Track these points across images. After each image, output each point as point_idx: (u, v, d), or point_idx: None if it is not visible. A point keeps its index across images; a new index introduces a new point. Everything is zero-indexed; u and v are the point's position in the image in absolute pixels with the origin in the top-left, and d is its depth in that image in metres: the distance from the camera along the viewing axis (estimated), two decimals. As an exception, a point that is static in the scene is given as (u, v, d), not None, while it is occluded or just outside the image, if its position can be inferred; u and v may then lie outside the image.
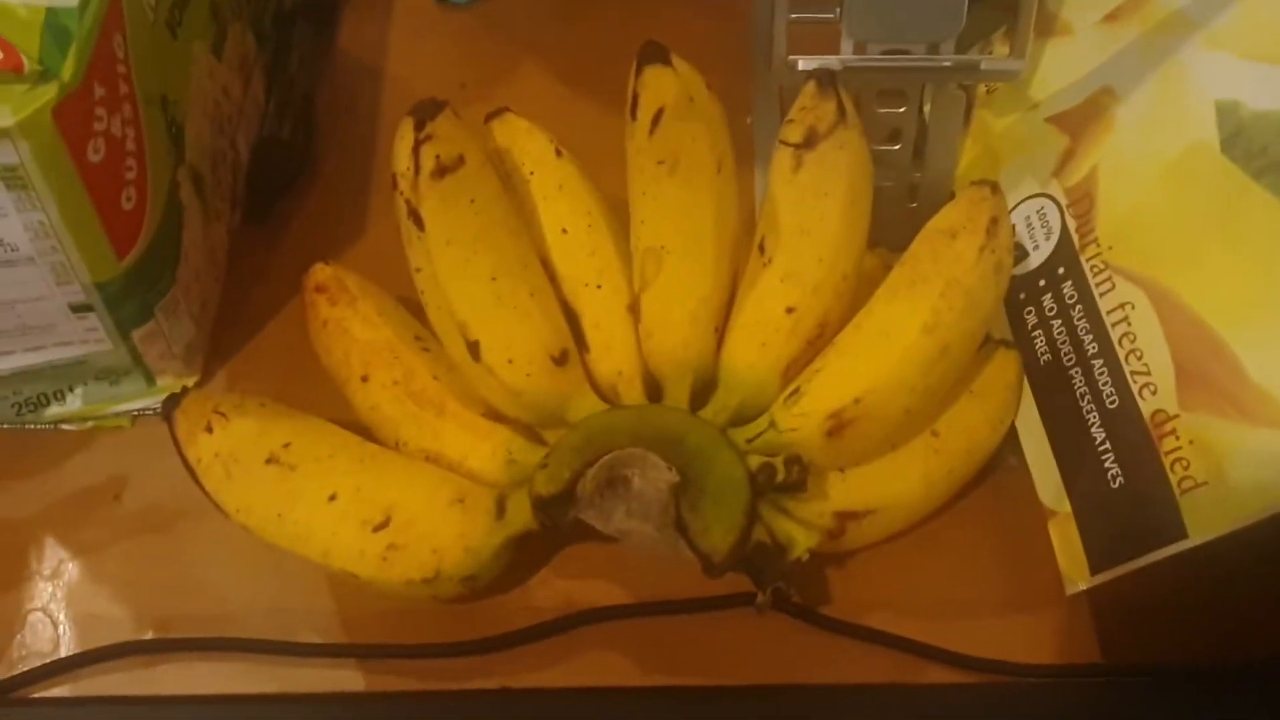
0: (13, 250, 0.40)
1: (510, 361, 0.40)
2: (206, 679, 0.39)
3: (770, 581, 0.38)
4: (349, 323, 0.43)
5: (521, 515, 0.39)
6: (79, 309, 0.42)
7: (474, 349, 0.40)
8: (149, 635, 0.40)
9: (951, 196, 0.43)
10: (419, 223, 0.39)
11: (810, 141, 0.41)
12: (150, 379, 0.45)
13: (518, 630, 0.40)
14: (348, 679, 0.40)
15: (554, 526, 0.38)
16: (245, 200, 0.52)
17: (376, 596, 0.40)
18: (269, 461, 0.39)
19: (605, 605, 0.41)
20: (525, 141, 0.44)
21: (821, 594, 0.41)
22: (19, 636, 0.40)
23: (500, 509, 0.39)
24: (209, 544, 0.42)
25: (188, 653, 0.40)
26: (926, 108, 0.46)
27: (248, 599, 0.41)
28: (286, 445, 0.39)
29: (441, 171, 0.39)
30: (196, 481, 0.39)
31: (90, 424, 0.45)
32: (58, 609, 0.41)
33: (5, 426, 0.45)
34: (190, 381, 0.46)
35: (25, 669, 0.39)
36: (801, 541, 0.38)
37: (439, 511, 0.39)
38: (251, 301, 0.49)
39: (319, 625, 0.41)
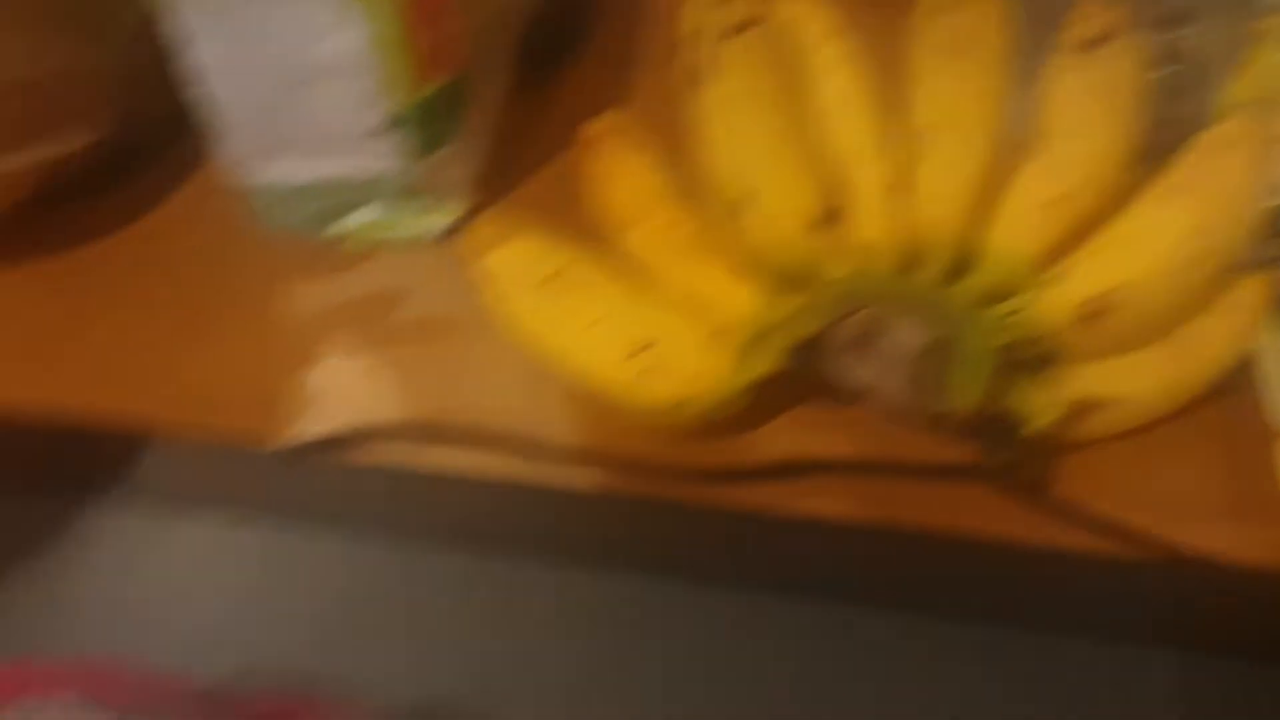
0: (330, 65, 0.44)
1: (775, 219, 0.42)
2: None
3: (1002, 452, 0.40)
4: (621, 171, 0.46)
5: (770, 359, 0.41)
6: (382, 128, 0.46)
7: (741, 203, 0.42)
8: (417, 421, 0.45)
9: (1221, 119, 0.44)
10: (700, 79, 0.42)
11: (1090, 45, 0.42)
12: (436, 204, 0.49)
13: (747, 466, 0.43)
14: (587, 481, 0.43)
15: (801, 372, 0.41)
16: (524, 64, 0.56)
17: (623, 419, 0.43)
18: (546, 281, 0.43)
19: (832, 458, 0.44)
20: (810, 15, 0.46)
21: (1048, 475, 0.42)
22: (299, 413, 0.46)
23: (750, 351, 0.42)
24: (477, 358, 0.47)
25: (448, 445, 0.44)
26: (1202, 33, 0.47)
27: (505, 406, 0.45)
28: (563, 268, 0.43)
29: (731, 32, 0.42)
30: (478, 294, 0.43)
31: (377, 239, 0.50)
32: (335, 396, 0.46)
33: (304, 236, 0.50)
34: (461, 213, 0.50)
35: (307, 441, 0.44)
36: (1039, 418, 0.40)
37: (693, 346, 0.42)
38: (525, 155, 0.53)
39: (559, 435, 0.44)
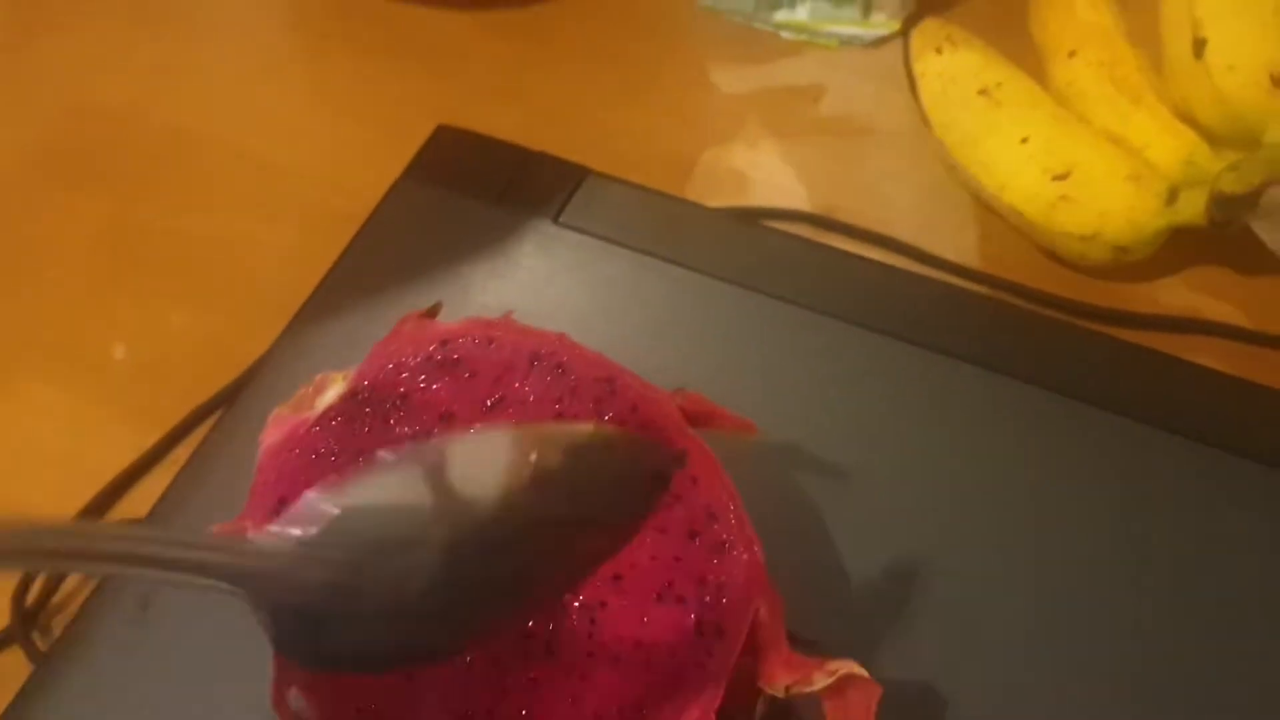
0: None
1: (1231, 68, 0.42)
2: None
3: None
4: (1075, 3, 0.46)
5: (1191, 208, 0.42)
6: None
7: (1199, 46, 0.42)
8: (819, 212, 0.48)
9: None
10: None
11: None
12: (866, 11, 0.51)
13: (1139, 314, 0.44)
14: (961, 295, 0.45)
15: (1222, 226, 0.41)
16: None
17: (1027, 241, 0.45)
18: (981, 93, 0.44)
19: (1221, 321, 0.44)
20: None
21: None
22: (710, 183, 0.49)
23: (1171, 197, 0.42)
24: (884, 160, 0.49)
25: (843, 236, 0.47)
26: None
27: (905, 211, 0.47)
28: (998, 84, 0.44)
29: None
30: (914, 93, 0.45)
31: (805, 37, 0.52)
32: (749, 170, 0.49)
33: (739, 20, 0.53)
34: (895, 26, 0.52)
35: (717, 205, 0.48)
36: None
37: (1115, 181, 0.43)
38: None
39: (957, 249, 0.46)
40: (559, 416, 0.33)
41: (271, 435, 0.32)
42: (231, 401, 0.43)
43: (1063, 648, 0.35)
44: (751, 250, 0.43)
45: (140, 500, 0.43)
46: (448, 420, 0.33)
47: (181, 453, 0.44)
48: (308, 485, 0.31)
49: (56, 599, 0.42)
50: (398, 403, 0.33)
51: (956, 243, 0.47)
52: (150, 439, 0.44)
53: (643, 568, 0.31)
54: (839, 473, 0.38)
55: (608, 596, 0.31)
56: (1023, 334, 0.41)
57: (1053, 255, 0.45)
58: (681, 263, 0.43)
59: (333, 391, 0.33)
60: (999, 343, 0.41)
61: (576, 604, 0.31)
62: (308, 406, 0.33)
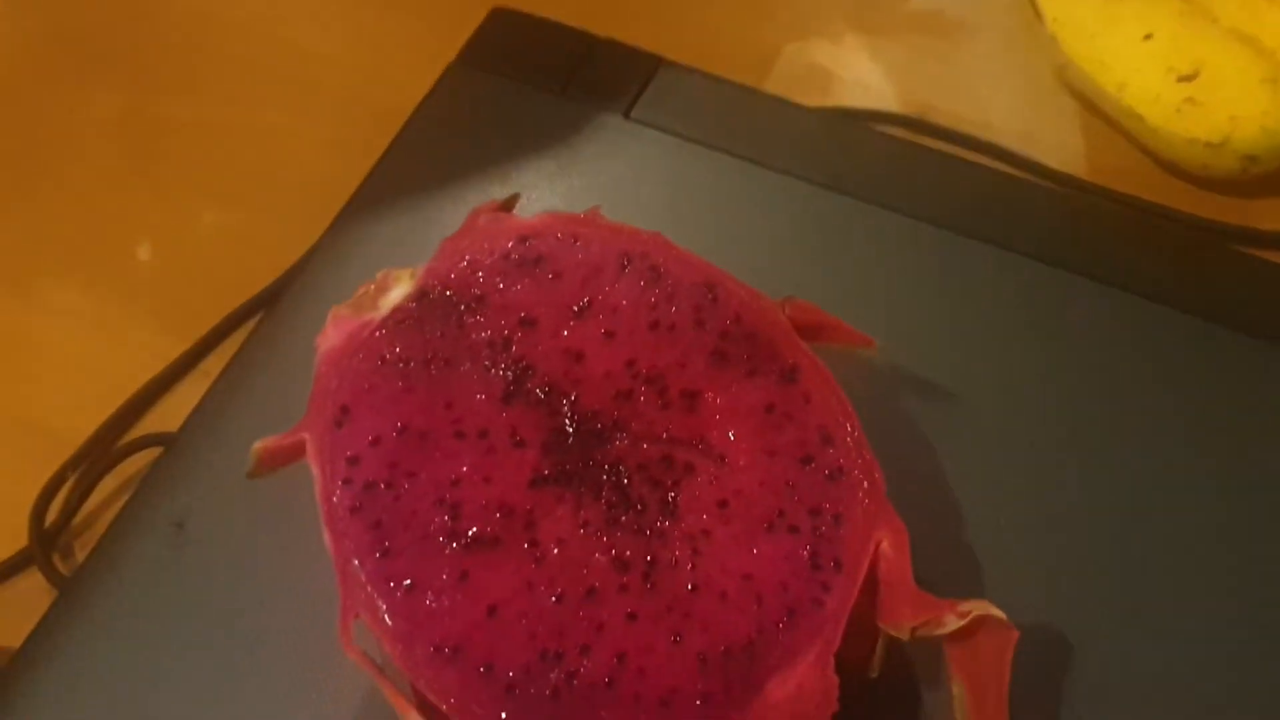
0: None
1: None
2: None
3: None
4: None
5: (1333, 115, 0.38)
6: None
7: (1351, -65, 0.38)
8: (912, 114, 0.44)
9: None
10: None
11: None
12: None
13: (1263, 231, 0.40)
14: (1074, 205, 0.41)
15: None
16: None
17: (1138, 145, 0.41)
18: (1102, -16, 0.40)
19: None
20: None
21: None
22: (792, 81, 0.45)
23: (1311, 103, 0.38)
24: (983, 59, 0.45)
25: (939, 140, 0.43)
26: None
27: (1005, 115, 0.43)
28: (1126, -27, 0.40)
29: None
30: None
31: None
32: (835, 67, 0.45)
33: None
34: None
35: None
36: None
37: (1249, 84, 0.39)
38: None
39: (1062, 157, 0.42)
40: (654, 325, 0.29)
41: (331, 338, 0.29)
42: (271, 306, 0.39)
43: (1197, 577, 0.31)
44: (846, 151, 0.39)
45: (171, 412, 0.40)
46: (529, 326, 0.29)
47: (214, 362, 0.41)
48: (373, 393, 0.28)
49: (79, 519, 0.39)
50: (473, 304, 0.29)
51: (1062, 152, 0.43)
52: (179, 346, 0.41)
53: (750, 494, 0.28)
54: (948, 395, 0.34)
55: (712, 525, 0.27)
56: (1142, 246, 0.38)
57: (1170, 167, 0.41)
58: (768, 164, 0.39)
59: (398, 290, 0.29)
60: (1116, 255, 0.37)
61: (678, 532, 0.27)
62: (370, 307, 0.29)
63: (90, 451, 0.39)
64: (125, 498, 0.37)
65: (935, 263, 0.37)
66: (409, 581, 0.26)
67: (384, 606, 0.26)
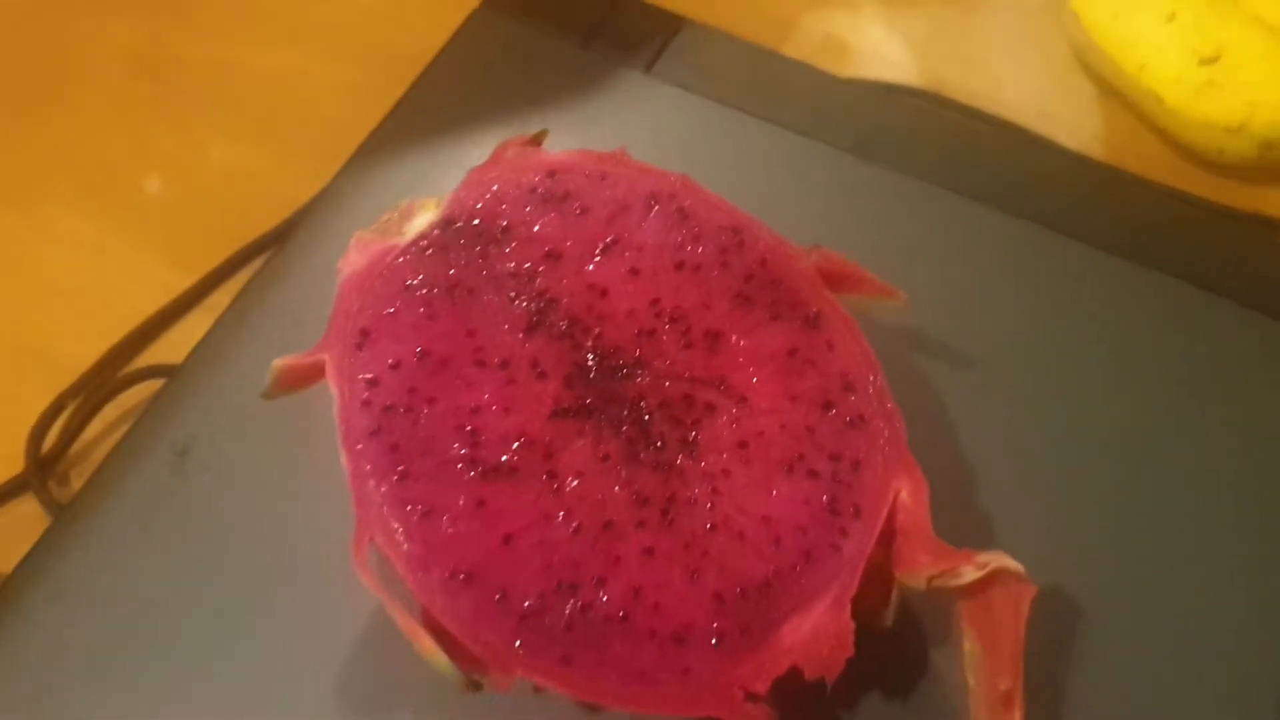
0: None
1: None
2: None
3: None
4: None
5: (1352, 104, 0.38)
6: None
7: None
8: (928, 88, 0.44)
9: None
10: None
11: None
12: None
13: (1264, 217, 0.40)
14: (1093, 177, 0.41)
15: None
16: None
17: (1152, 136, 0.41)
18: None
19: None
20: None
21: None
22: (809, 48, 0.44)
23: (1332, 90, 0.39)
24: (1001, 35, 0.44)
25: (952, 113, 0.43)
26: None
27: (1021, 93, 0.43)
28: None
29: None
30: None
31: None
32: (852, 37, 0.45)
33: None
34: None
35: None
36: None
37: (1270, 70, 0.39)
38: None
39: (1078, 138, 0.42)
40: (679, 266, 0.29)
41: (354, 260, 0.28)
42: (283, 241, 0.39)
43: (1210, 541, 0.31)
44: (865, 116, 0.39)
45: (174, 345, 0.39)
46: (554, 259, 0.29)
47: (220, 298, 0.40)
48: (394, 317, 0.28)
49: (76, 447, 0.38)
50: (498, 235, 0.29)
51: (1077, 132, 0.43)
52: (185, 280, 0.40)
53: (770, 437, 0.27)
54: (963, 358, 0.34)
55: (732, 465, 0.27)
56: (1160, 222, 0.37)
57: (1186, 151, 0.41)
58: (787, 125, 0.39)
59: (423, 218, 0.29)
60: (1132, 229, 0.37)
61: (697, 471, 0.27)
62: (395, 232, 0.29)
63: (91, 380, 0.38)
64: (125, 428, 0.36)
65: (952, 228, 0.37)
66: (426, 506, 0.26)
67: (400, 530, 0.25)
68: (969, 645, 0.27)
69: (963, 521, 0.32)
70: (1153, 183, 0.41)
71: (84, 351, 0.39)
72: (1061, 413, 0.33)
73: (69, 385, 0.38)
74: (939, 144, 0.39)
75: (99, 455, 0.37)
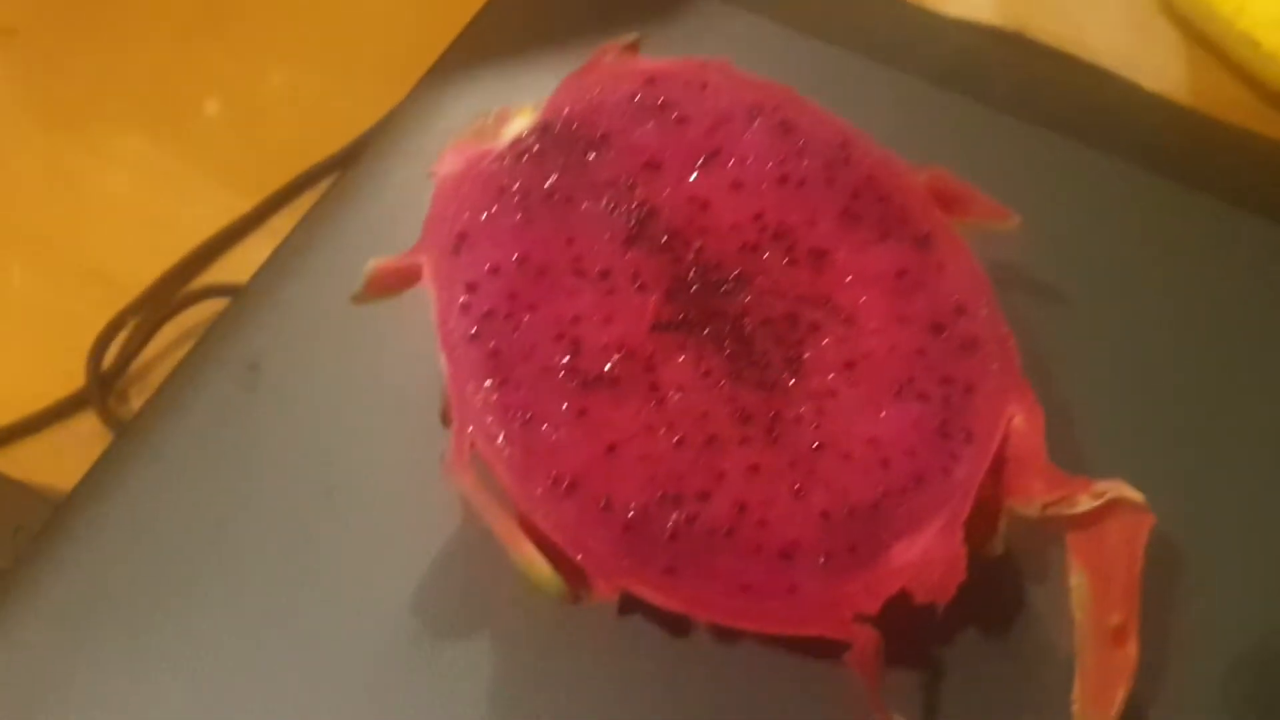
0: None
1: None
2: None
3: None
4: None
5: None
6: None
7: None
8: (1008, 28, 0.42)
9: None
10: None
11: None
12: None
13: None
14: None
15: None
16: None
17: (1241, 85, 0.40)
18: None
19: None
20: None
21: None
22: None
23: None
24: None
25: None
26: None
27: (1103, 33, 0.41)
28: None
29: None
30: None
31: None
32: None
33: None
34: None
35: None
36: None
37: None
38: None
39: (1162, 84, 0.40)
40: (783, 180, 0.28)
41: (449, 164, 0.27)
42: (349, 163, 0.38)
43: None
44: (947, 47, 0.38)
45: (234, 266, 0.38)
46: (653, 170, 0.28)
47: (282, 221, 0.39)
48: (492, 223, 0.27)
49: (135, 366, 0.37)
50: (597, 143, 0.28)
51: (1162, 78, 0.42)
52: (245, 203, 0.39)
53: (879, 358, 0.26)
54: (1048, 293, 0.33)
55: (839, 386, 0.26)
56: (1248, 163, 0.37)
57: (1276, 100, 0.41)
58: (866, 54, 0.37)
59: (519, 123, 0.28)
60: (1220, 169, 0.36)
61: (803, 390, 0.26)
62: (491, 136, 0.27)
63: (151, 299, 0.37)
64: (186, 348, 0.35)
65: (1034, 162, 0.35)
66: (528, 413, 0.25)
67: (501, 435, 0.24)
68: (1076, 579, 0.27)
69: (1054, 459, 0.32)
70: (1240, 127, 0.40)
71: (143, 271, 0.38)
72: (1154, 349, 0.32)
73: (129, 303, 0.37)
74: (1022, 77, 0.38)
75: (160, 374, 0.36)
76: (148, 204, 0.40)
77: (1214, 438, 0.31)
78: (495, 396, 0.25)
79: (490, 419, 0.25)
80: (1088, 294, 0.34)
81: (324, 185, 0.39)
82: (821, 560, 0.24)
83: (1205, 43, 0.42)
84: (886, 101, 0.37)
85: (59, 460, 0.35)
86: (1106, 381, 0.32)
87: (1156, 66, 0.43)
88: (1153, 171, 0.36)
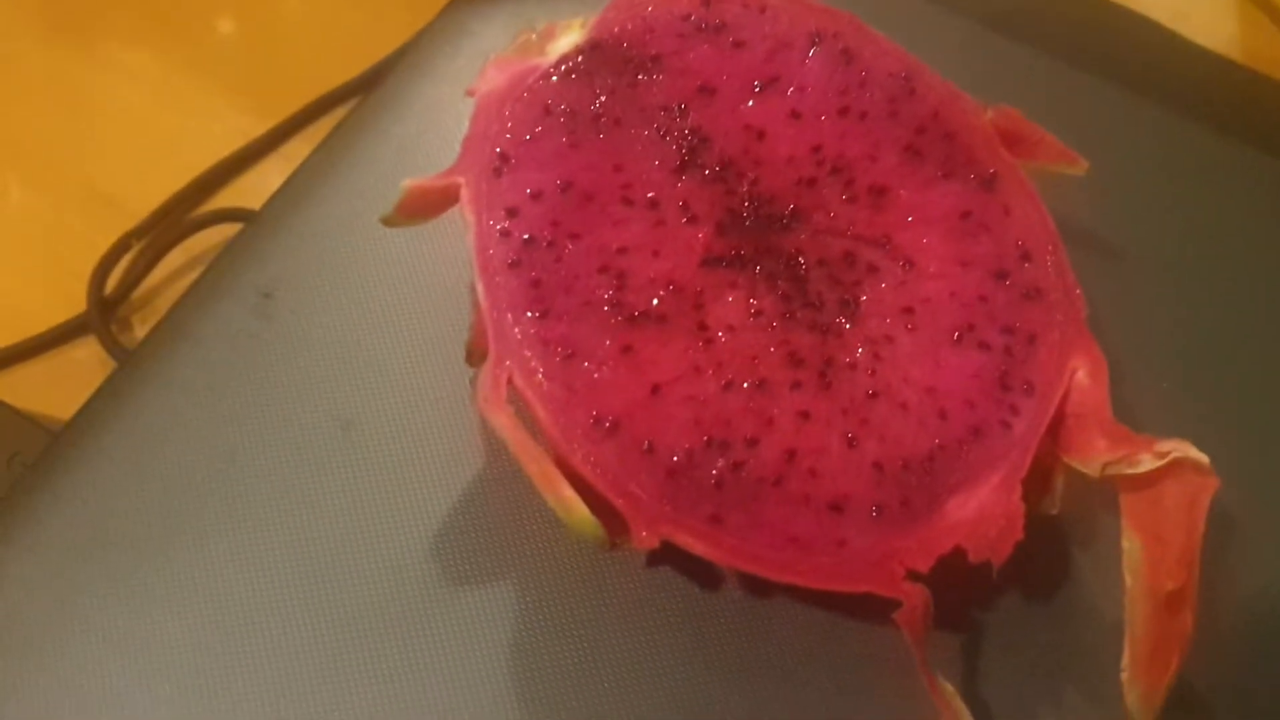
0: None
1: None
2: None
3: None
4: None
5: None
6: None
7: None
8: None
9: None
10: None
11: None
12: None
13: None
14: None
15: None
16: None
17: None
18: None
19: None
20: None
21: None
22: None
23: None
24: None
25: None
26: None
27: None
28: None
29: None
30: None
31: None
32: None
33: None
34: None
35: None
36: None
37: None
38: None
39: (1214, 40, 0.39)
40: (843, 112, 0.26)
41: (491, 79, 0.25)
42: (369, 89, 0.36)
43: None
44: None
45: (246, 191, 0.37)
46: (707, 94, 0.26)
47: (297, 146, 0.37)
48: (536, 143, 0.25)
49: (139, 293, 0.36)
50: (648, 64, 0.26)
51: (1214, 34, 0.40)
52: (257, 127, 0.37)
53: (939, 303, 0.25)
54: (1105, 249, 0.32)
55: (896, 331, 0.25)
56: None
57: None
58: (923, -2, 0.36)
59: (567, 39, 0.26)
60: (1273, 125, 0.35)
61: (859, 335, 0.25)
62: (536, 54, 0.26)
63: (158, 222, 0.36)
64: (193, 275, 0.34)
65: (1092, 112, 0.34)
66: (569, 349, 0.23)
67: (541, 370, 0.23)
68: (1129, 543, 0.25)
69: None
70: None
71: (150, 193, 0.36)
72: (1207, 307, 0.31)
73: (135, 226, 0.35)
74: (1076, 25, 0.36)
75: (165, 301, 0.35)
76: (156, 123, 0.38)
77: (1272, 399, 0.30)
78: (535, 329, 0.23)
79: (529, 353, 0.23)
80: (1139, 248, 0.32)
81: (341, 111, 0.38)
82: (873, 513, 0.23)
83: (1258, 2, 0.41)
84: (941, 42, 0.35)
85: (57, 387, 0.33)
86: (1157, 339, 0.31)
87: (1209, 21, 0.41)
88: (1204, 125, 0.34)
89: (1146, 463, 0.24)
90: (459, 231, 0.26)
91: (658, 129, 0.26)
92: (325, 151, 0.34)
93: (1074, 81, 0.35)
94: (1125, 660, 0.26)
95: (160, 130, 0.37)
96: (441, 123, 0.33)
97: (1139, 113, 0.35)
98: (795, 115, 0.26)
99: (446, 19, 0.36)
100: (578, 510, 0.23)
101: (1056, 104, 0.35)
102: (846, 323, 0.25)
